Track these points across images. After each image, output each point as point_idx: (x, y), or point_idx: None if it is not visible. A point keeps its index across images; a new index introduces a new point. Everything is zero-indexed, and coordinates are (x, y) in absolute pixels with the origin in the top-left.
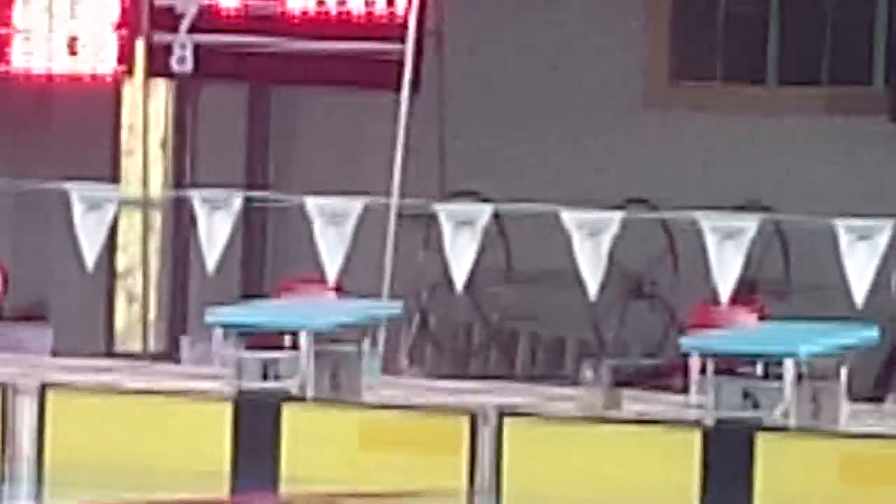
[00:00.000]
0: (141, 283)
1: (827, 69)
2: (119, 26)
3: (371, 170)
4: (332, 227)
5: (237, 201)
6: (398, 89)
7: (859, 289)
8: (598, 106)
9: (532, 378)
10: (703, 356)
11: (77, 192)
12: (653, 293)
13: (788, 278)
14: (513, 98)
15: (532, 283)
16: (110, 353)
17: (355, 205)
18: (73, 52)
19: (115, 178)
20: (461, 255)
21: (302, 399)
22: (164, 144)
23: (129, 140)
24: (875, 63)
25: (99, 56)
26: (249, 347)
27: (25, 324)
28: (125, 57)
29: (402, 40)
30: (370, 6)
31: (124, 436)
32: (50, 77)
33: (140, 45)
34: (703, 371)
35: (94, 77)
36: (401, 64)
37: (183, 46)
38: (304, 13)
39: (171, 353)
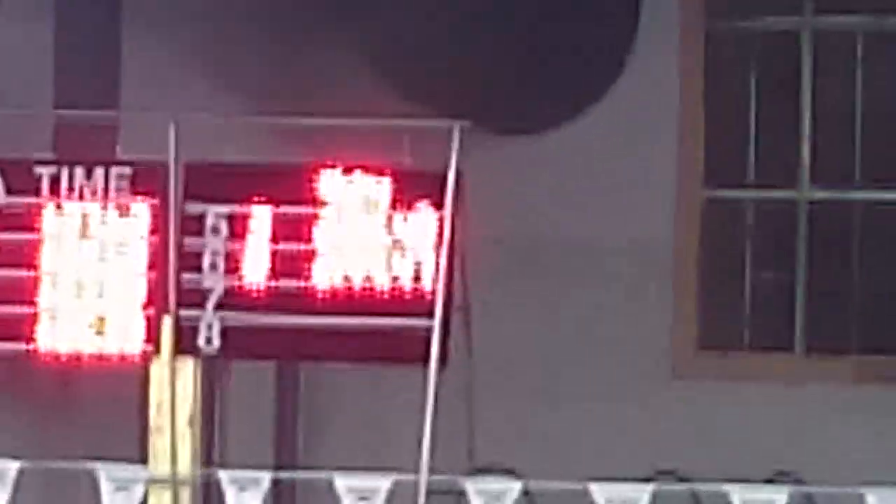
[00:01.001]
0: None
1: (855, 338)
2: (146, 305)
3: (399, 446)
4: None
5: (265, 480)
6: (426, 364)
7: None
8: (625, 376)
9: None
10: None
11: (105, 472)
12: None
13: None
14: (540, 371)
15: None
16: None
17: (384, 482)
18: (99, 332)
19: (143, 457)
20: None
21: None
22: (192, 422)
23: (157, 418)
24: None
25: (126, 336)
26: None
27: None
28: (152, 335)
29: (430, 315)
30: (396, 281)
31: None
32: (77, 357)
33: (167, 323)
34: None
35: (121, 357)
36: (428, 338)
37: (210, 325)
38: (331, 289)
39: None
